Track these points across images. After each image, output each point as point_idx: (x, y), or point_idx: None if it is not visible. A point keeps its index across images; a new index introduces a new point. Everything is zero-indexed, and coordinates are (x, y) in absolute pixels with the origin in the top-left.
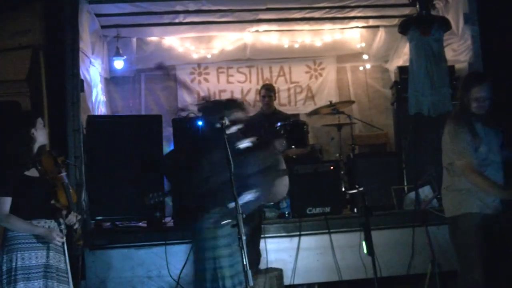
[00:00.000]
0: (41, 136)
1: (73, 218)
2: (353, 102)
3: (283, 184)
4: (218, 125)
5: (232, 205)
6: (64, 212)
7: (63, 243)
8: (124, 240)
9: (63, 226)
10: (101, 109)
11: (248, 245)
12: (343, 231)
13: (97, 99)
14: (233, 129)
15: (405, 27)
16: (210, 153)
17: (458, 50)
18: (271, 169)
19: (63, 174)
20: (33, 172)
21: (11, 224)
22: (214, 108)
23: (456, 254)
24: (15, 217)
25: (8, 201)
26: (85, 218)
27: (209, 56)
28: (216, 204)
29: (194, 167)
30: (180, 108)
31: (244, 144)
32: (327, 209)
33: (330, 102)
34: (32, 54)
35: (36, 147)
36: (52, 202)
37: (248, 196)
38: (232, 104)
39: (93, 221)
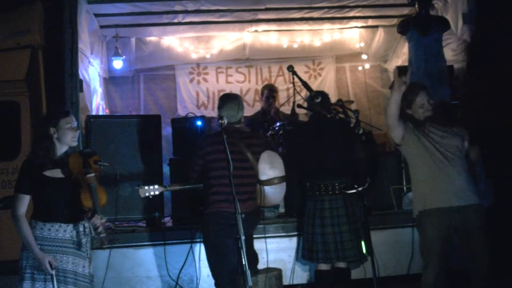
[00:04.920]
0: (65, 136)
1: (97, 221)
2: (352, 102)
3: (279, 191)
4: None
5: None
6: (89, 215)
7: (86, 250)
8: (123, 240)
9: (87, 229)
10: (100, 109)
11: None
12: None
13: (96, 99)
14: None
15: (404, 27)
16: None
17: (457, 50)
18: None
19: (91, 175)
20: (54, 173)
21: (18, 228)
22: None
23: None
24: (27, 226)
25: (24, 199)
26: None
27: (208, 56)
28: None
29: None
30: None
31: None
32: None
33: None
34: (31, 54)
35: (58, 147)
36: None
37: None
38: None
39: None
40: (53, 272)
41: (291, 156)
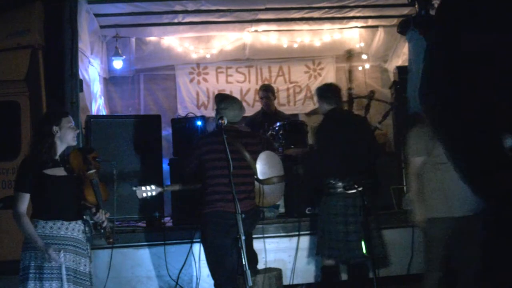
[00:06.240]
0: (66, 135)
1: (101, 216)
2: (352, 102)
3: (279, 190)
4: None
5: None
6: (93, 210)
7: (87, 248)
8: (124, 240)
9: (87, 228)
10: (100, 109)
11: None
12: None
13: (96, 99)
14: None
15: (404, 27)
16: None
17: None
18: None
19: (92, 171)
20: (55, 171)
21: (20, 225)
22: None
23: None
24: (28, 220)
25: (25, 197)
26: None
27: (208, 56)
28: None
29: None
30: None
31: None
32: None
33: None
34: (31, 54)
35: (59, 145)
36: (82, 202)
37: None
38: None
39: (92, 221)
40: (62, 260)
41: (319, 152)
